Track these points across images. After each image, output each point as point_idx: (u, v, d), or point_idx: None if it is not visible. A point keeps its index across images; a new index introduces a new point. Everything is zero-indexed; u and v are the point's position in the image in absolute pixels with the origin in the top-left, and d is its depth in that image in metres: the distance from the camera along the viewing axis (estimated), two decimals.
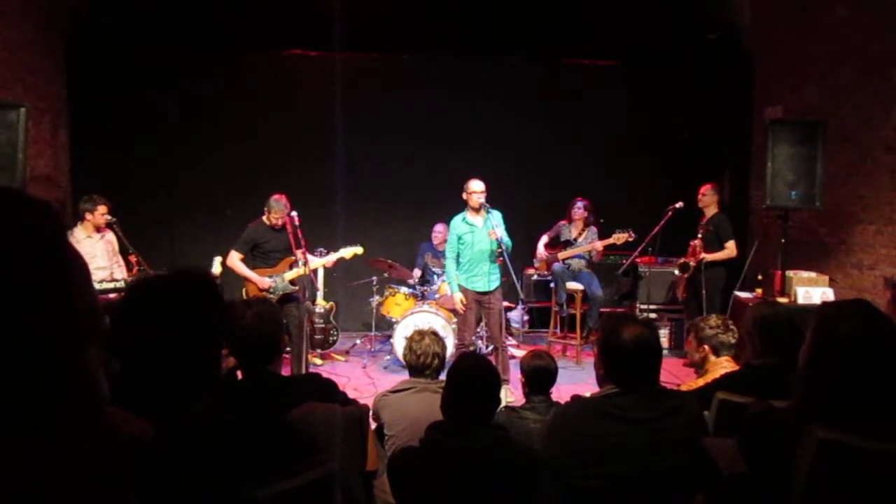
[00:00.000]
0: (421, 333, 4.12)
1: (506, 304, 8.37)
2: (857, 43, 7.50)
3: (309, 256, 7.44)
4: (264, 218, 7.21)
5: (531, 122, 9.96)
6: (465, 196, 6.97)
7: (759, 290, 7.71)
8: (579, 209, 8.60)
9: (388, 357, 8.54)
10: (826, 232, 8.09)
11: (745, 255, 8.20)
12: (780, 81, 8.94)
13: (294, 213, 7.08)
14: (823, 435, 2.20)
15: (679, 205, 8.06)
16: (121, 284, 6.64)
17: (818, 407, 2.26)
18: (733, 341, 4.03)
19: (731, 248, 8.02)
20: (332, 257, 7.58)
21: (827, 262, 7.93)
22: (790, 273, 7.30)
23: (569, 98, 9.89)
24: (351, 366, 8.49)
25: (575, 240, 8.67)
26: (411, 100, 9.84)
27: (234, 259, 7.15)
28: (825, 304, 2.47)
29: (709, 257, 7.98)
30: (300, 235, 7.02)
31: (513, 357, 8.07)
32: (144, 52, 9.28)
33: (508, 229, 7.13)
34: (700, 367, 4.18)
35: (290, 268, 7.31)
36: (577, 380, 7.58)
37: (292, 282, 7.30)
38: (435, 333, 4.12)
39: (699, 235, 8.15)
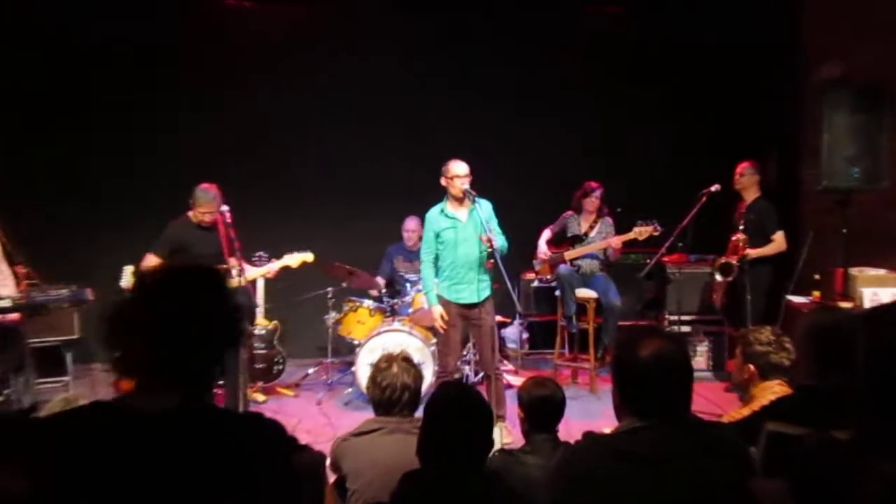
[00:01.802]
0: (389, 359, 4.12)
1: (499, 318, 8.39)
2: None
3: (246, 265, 7.40)
4: (190, 214, 7.18)
5: (528, 89, 9.98)
6: (444, 182, 6.98)
7: (816, 294, 7.78)
8: (594, 198, 8.65)
9: (350, 390, 8.54)
10: None
11: (797, 250, 8.28)
12: (836, 33, 9.01)
13: (226, 209, 7.06)
14: (893, 471, 2.23)
15: (716, 188, 8.13)
16: (6, 303, 6.50)
17: (884, 436, 2.30)
18: (787, 364, 4.05)
19: (779, 241, 8.11)
20: (275, 265, 7.57)
21: None
22: (854, 271, 7.37)
23: (573, 54, 9.94)
24: (302, 402, 8.47)
25: (585, 235, 8.72)
26: (373, 63, 9.85)
27: (149, 264, 7.13)
28: (874, 309, 2.53)
29: (753, 253, 8.06)
30: (234, 237, 7.00)
31: (509, 386, 8.08)
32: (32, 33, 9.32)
33: (501, 224, 7.14)
34: (745, 391, 4.21)
35: None
36: (590, 413, 7.61)
37: None
38: (407, 359, 4.13)
39: (740, 227, 8.22)
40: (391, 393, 3.98)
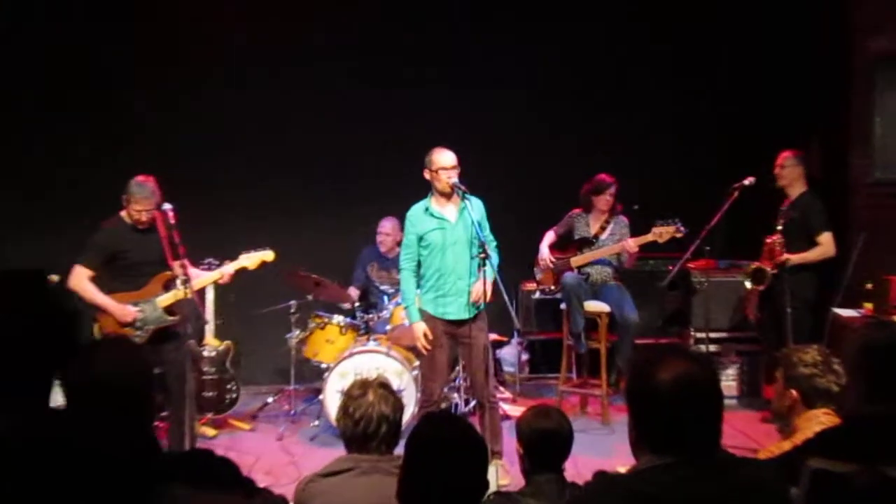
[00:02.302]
0: (363, 386, 4.10)
1: (494, 337, 8.40)
2: None
3: (193, 271, 7.38)
4: (123, 214, 7.16)
5: (528, 70, 9.99)
6: (427, 175, 6.97)
7: (868, 306, 7.81)
8: (607, 195, 8.65)
9: (317, 423, 8.53)
10: None
11: (846, 254, 8.30)
12: (888, 1, 9.05)
13: (168, 206, 7.03)
14: None
15: (749, 181, 8.13)
16: None
17: None
18: (835, 389, 4.05)
19: (825, 244, 8.12)
20: (229, 268, 7.54)
21: None
22: None
23: (581, 30, 9.96)
24: (260, 437, 8.46)
25: (596, 237, 8.74)
26: (342, 38, 9.85)
27: (80, 278, 7.09)
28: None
29: (794, 258, 8.07)
30: (178, 240, 6.98)
31: (506, 417, 8.08)
32: None
33: (494, 225, 7.15)
34: (786, 421, 4.22)
35: (166, 289, 7.27)
36: (603, 449, 7.61)
37: (169, 310, 7.25)
38: (384, 385, 4.11)
39: (778, 227, 8.23)
40: (366, 426, 3.96)
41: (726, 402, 8.31)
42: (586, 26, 9.96)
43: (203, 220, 8.76)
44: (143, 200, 7.02)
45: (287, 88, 9.86)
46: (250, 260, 7.60)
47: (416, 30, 9.88)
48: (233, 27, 9.65)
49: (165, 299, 7.24)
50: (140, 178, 7.07)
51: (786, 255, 8.09)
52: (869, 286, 7.98)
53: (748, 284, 8.38)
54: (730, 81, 9.93)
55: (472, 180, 7.03)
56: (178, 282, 7.12)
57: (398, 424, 4.04)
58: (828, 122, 9.75)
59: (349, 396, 4.08)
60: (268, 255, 7.66)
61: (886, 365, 3.51)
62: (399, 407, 4.07)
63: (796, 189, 8.33)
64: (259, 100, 9.83)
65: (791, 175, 8.33)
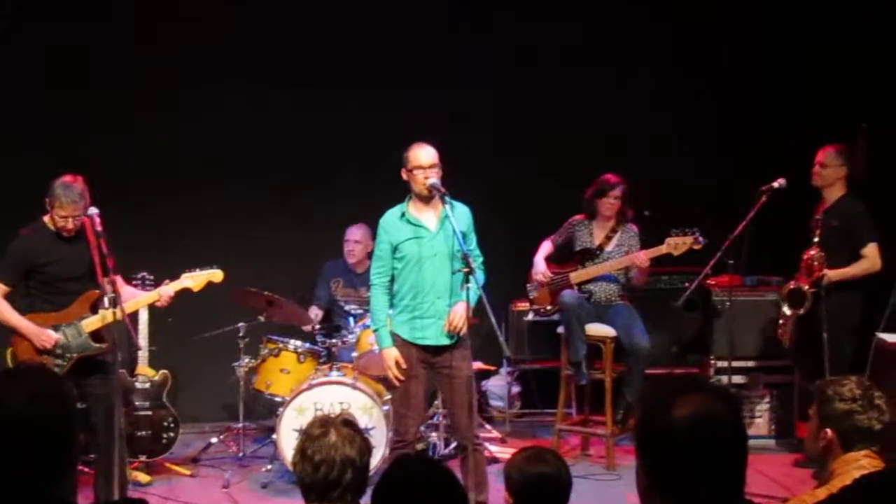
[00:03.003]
0: (324, 424, 4.08)
1: (479, 366, 8.40)
2: None
3: (127, 289, 7.37)
4: (46, 219, 7.14)
5: (529, 58, 10.05)
6: (404, 175, 7.00)
7: None
8: (612, 198, 8.68)
9: (269, 467, 8.52)
10: None
11: (895, 270, 8.34)
12: None
13: (94, 211, 7.01)
14: None
15: (780, 183, 8.16)
16: None
17: None
18: (879, 428, 4.07)
19: (870, 258, 8.14)
20: (168, 289, 7.53)
21: None
22: None
23: (588, 14, 10.03)
24: (203, 484, 8.44)
25: (600, 248, 8.77)
26: (300, 29, 9.93)
27: None
28: None
29: (833, 275, 8.08)
30: (105, 250, 6.96)
31: (494, 460, 8.10)
32: None
33: (482, 237, 7.17)
34: (822, 465, 4.23)
35: (93, 310, 7.25)
36: (608, 498, 7.66)
37: (96, 335, 7.23)
38: (349, 423, 4.10)
39: (815, 239, 8.25)
40: (328, 471, 3.94)
41: (754, 442, 8.52)
42: (590, 19, 10.06)
43: (136, 229, 8.78)
44: (70, 205, 6.96)
45: (233, 88, 9.86)
46: (194, 280, 7.58)
47: (382, 22, 9.99)
48: (172, 35, 9.70)
49: (92, 322, 7.21)
50: (67, 177, 6.99)
51: (824, 271, 8.09)
52: None
53: (786, 309, 8.38)
54: (758, 68, 9.98)
55: (459, 185, 7.06)
56: (106, 300, 7.07)
57: (365, 469, 4.03)
58: (878, 112, 9.75)
59: (308, 436, 4.06)
60: (215, 274, 7.65)
61: None
62: (367, 449, 4.05)
63: (835, 192, 8.32)
64: (202, 101, 9.83)
65: (833, 175, 8.30)
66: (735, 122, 9.96)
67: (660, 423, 2.69)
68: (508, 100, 10.07)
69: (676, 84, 10.05)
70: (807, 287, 8.17)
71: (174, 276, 7.60)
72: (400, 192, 7.12)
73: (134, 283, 7.93)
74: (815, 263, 8.14)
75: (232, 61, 9.86)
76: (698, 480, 2.67)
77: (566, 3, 10.14)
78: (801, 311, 8.24)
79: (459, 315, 6.84)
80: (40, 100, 9.56)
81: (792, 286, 8.30)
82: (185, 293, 7.68)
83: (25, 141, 9.39)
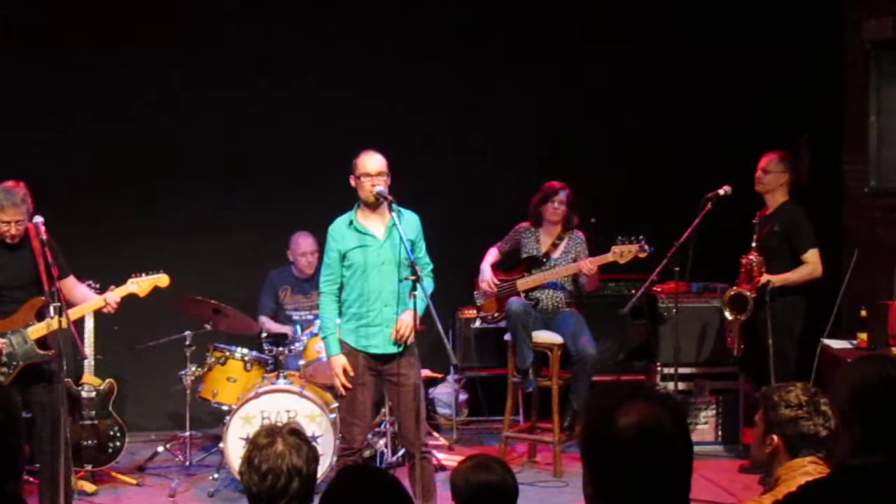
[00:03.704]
0: (270, 433, 4.05)
1: (426, 374, 8.39)
2: None
3: (81, 290, 7.32)
4: None
5: (472, 59, 10.06)
6: (353, 182, 6.99)
7: (863, 336, 7.89)
8: (556, 203, 8.70)
9: (216, 476, 8.46)
10: None
11: (837, 276, 8.39)
12: None
13: (39, 219, 6.96)
14: None
15: (725, 190, 8.22)
16: None
17: None
18: (824, 434, 4.08)
19: (812, 263, 8.18)
20: (114, 295, 7.47)
21: None
22: None
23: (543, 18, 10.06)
24: (149, 493, 8.39)
25: (547, 256, 8.78)
26: (247, 26, 9.91)
27: None
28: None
29: (776, 279, 8.12)
30: (51, 259, 6.91)
31: (441, 468, 8.08)
32: None
33: (431, 243, 7.15)
34: (767, 471, 4.24)
35: (38, 317, 7.17)
36: None
37: (41, 342, 7.16)
38: (296, 432, 4.07)
39: (753, 244, 8.28)
40: (274, 480, 3.92)
41: (700, 448, 8.56)
42: (543, 22, 10.08)
43: (82, 238, 8.70)
44: (11, 210, 6.91)
45: (179, 91, 9.83)
46: (140, 285, 7.53)
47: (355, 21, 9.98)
48: (113, 38, 9.65)
49: (38, 329, 7.13)
50: (8, 183, 6.95)
51: (766, 276, 8.12)
52: (863, 313, 8.05)
53: (728, 315, 8.40)
54: (703, 76, 10.03)
55: (407, 188, 7.04)
56: (52, 308, 7.01)
57: (313, 478, 4.01)
58: (818, 119, 9.84)
59: (254, 445, 4.03)
60: (161, 279, 7.60)
61: (882, 407, 3.53)
62: (314, 457, 4.03)
63: (777, 198, 8.35)
64: (147, 105, 9.81)
65: (775, 181, 8.32)
66: (681, 129, 9.99)
67: (604, 431, 2.68)
68: (456, 104, 10.06)
69: (625, 93, 10.07)
70: (749, 293, 8.20)
71: (120, 283, 7.55)
72: (348, 198, 7.10)
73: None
74: (755, 268, 8.18)
75: (180, 62, 9.83)
76: (643, 488, 2.67)
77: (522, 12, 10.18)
78: (743, 317, 8.26)
79: (406, 324, 6.84)
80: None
81: (733, 292, 8.31)
82: (131, 300, 7.61)
83: None
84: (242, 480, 3.99)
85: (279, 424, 4.17)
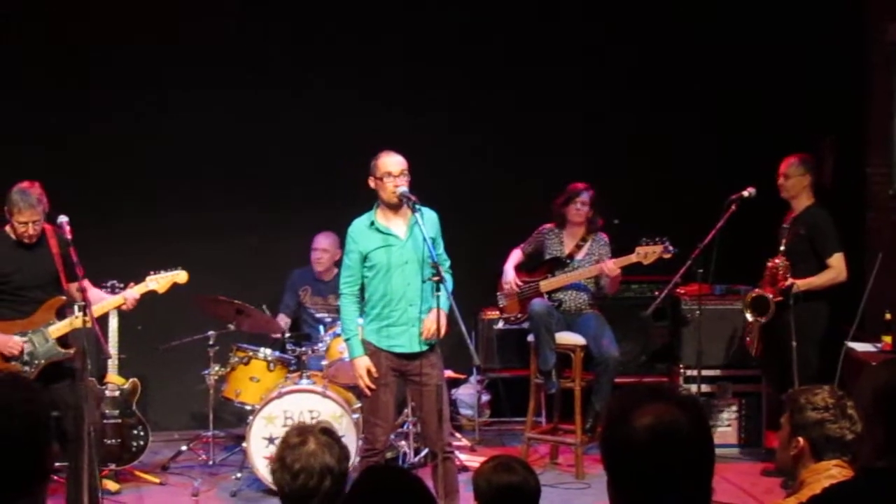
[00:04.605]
0: (302, 432, 4.00)
1: (449, 374, 8.37)
2: None
3: (94, 292, 7.32)
4: (7, 229, 7.09)
5: (494, 57, 10.05)
6: (372, 183, 6.97)
7: (887, 339, 7.85)
8: (579, 204, 8.68)
9: (239, 475, 8.46)
10: None
11: (862, 280, 8.35)
12: None
13: (63, 219, 6.98)
14: None
15: (749, 192, 8.18)
16: None
17: None
18: (850, 437, 4.06)
19: (836, 267, 8.14)
20: (134, 291, 7.49)
21: None
22: None
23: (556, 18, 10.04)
24: (172, 492, 8.40)
25: (570, 257, 8.76)
26: (271, 29, 9.92)
27: None
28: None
29: (801, 283, 8.08)
30: (75, 259, 6.93)
31: (464, 468, 8.07)
32: None
33: (451, 245, 7.15)
34: (792, 474, 4.21)
35: (59, 316, 7.19)
36: None
37: (62, 341, 7.17)
38: (327, 431, 4.03)
39: (781, 248, 8.26)
40: (306, 479, 3.87)
41: (722, 451, 8.54)
42: (557, 22, 10.07)
43: (105, 237, 8.72)
44: (28, 210, 6.93)
45: (202, 92, 9.83)
46: (159, 282, 7.54)
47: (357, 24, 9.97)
48: (132, 39, 9.65)
49: (59, 328, 7.15)
50: (23, 184, 6.98)
51: (790, 280, 8.08)
52: (888, 317, 8.02)
53: (748, 316, 8.38)
54: (727, 78, 9.99)
55: (427, 190, 7.03)
56: (76, 307, 7.04)
57: (344, 477, 3.99)
58: (841, 123, 9.80)
59: (286, 445, 3.99)
60: (179, 275, 7.61)
61: None
62: (345, 456, 3.99)
63: (802, 201, 8.32)
64: (170, 106, 9.82)
65: (797, 185, 8.28)
66: (708, 131, 9.96)
67: (620, 433, 2.67)
68: (480, 106, 10.05)
69: (647, 94, 10.05)
70: (771, 296, 8.16)
71: (139, 282, 7.56)
72: (366, 199, 7.10)
73: (103, 287, 7.86)
74: (780, 272, 8.14)
75: (199, 62, 9.81)
76: (658, 489, 2.65)
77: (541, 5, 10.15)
78: (764, 320, 8.23)
79: (436, 321, 6.83)
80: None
81: (755, 294, 8.29)
82: (153, 300, 7.64)
83: None
84: (274, 480, 3.99)
85: (308, 425, 4.14)
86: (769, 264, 8.25)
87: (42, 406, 3.23)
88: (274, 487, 7.80)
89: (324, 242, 9.20)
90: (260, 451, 7.86)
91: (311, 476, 3.84)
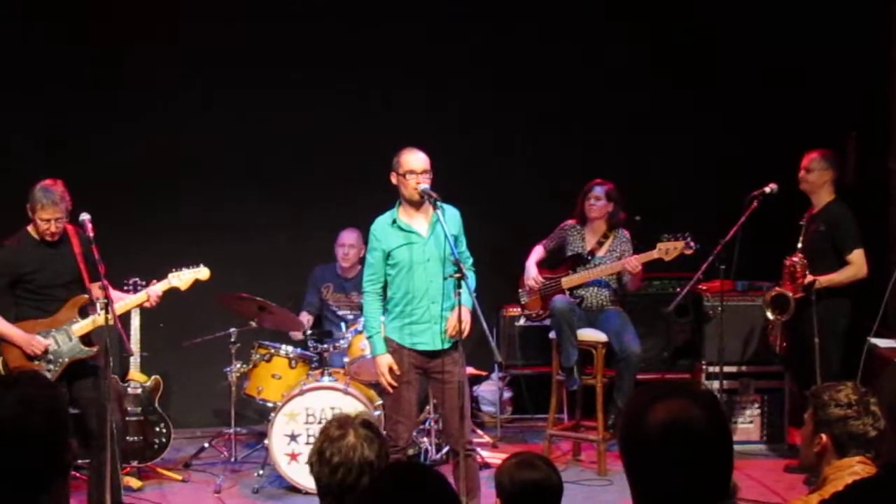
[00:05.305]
0: (342, 424, 3.89)
1: (471, 371, 8.36)
2: None
3: (115, 293, 7.34)
4: (30, 228, 7.12)
5: (516, 53, 10.04)
6: (395, 180, 6.97)
7: None
8: (592, 199, 8.68)
9: (261, 472, 8.47)
10: None
11: (884, 276, 8.32)
12: None
13: (85, 217, 7.01)
14: None
15: (771, 188, 8.17)
16: None
17: None
18: (873, 434, 4.05)
19: (856, 264, 8.10)
20: (156, 289, 7.51)
21: None
22: None
23: (580, 12, 10.03)
24: (194, 489, 8.42)
25: (592, 254, 8.75)
26: (299, 28, 9.91)
27: None
28: None
29: (822, 280, 8.05)
30: (97, 256, 6.95)
31: (485, 466, 8.06)
32: None
33: (473, 242, 7.14)
34: (815, 471, 4.21)
35: (82, 314, 7.21)
36: (599, 503, 7.64)
37: (86, 340, 7.20)
38: (368, 424, 3.94)
39: (799, 245, 8.24)
40: (345, 474, 3.78)
41: (745, 447, 8.55)
42: (583, 26, 10.07)
43: (127, 235, 8.75)
44: (50, 207, 6.95)
45: (223, 89, 9.85)
46: (181, 279, 7.56)
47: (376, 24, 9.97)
48: (159, 35, 9.70)
49: (82, 327, 7.18)
50: (46, 182, 7.01)
51: (811, 277, 8.06)
52: None
53: (769, 315, 8.36)
54: (751, 75, 9.96)
55: (450, 185, 7.03)
56: (98, 304, 7.07)
57: None
58: (864, 120, 9.75)
59: (326, 437, 3.89)
60: (201, 272, 7.63)
61: None
62: (385, 452, 3.91)
63: (823, 197, 8.27)
64: (191, 102, 9.84)
65: (818, 180, 8.24)
66: (729, 127, 9.93)
67: (635, 429, 2.67)
68: (501, 102, 10.05)
69: (669, 90, 10.02)
70: (791, 293, 8.13)
71: (161, 279, 7.59)
72: (389, 195, 7.10)
73: (125, 289, 7.89)
74: (798, 269, 8.11)
75: (223, 62, 9.82)
76: (674, 484, 2.64)
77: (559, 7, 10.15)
78: (784, 318, 8.21)
79: (462, 319, 6.82)
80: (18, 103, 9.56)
81: (775, 292, 8.27)
82: (175, 297, 7.67)
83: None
84: (311, 472, 3.88)
85: (348, 417, 4.04)
86: (787, 262, 8.22)
87: (61, 403, 3.25)
88: (296, 484, 7.93)
89: (350, 238, 9.20)
90: (282, 447, 7.90)
91: (349, 471, 3.75)
